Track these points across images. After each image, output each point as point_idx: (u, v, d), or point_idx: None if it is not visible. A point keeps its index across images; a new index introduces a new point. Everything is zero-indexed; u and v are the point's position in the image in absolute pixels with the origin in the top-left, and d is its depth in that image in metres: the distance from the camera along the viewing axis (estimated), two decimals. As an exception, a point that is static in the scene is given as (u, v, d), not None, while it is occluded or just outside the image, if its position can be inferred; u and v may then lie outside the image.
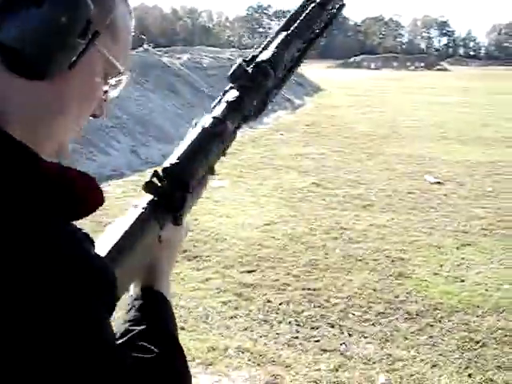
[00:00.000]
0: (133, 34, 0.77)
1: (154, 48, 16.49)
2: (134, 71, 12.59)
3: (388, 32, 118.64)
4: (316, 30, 1.19)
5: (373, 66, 58.61)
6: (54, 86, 0.67)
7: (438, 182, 7.62)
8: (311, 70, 34.44)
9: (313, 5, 1.16)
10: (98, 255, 0.67)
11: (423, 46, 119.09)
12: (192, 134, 1.00)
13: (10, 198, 0.60)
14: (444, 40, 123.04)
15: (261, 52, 1.10)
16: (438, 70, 54.90)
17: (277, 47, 1.10)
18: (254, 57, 1.08)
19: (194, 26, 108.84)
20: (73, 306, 0.59)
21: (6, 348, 0.57)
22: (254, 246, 5.10)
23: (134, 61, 13.60)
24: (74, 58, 0.67)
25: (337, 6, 1.22)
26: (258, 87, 1.06)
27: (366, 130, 12.52)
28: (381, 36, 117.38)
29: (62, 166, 0.66)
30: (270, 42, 1.13)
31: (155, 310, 0.89)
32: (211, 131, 0.99)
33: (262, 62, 1.06)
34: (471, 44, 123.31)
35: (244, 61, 1.07)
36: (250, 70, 1.05)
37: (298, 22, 1.14)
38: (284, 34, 1.13)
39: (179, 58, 16.03)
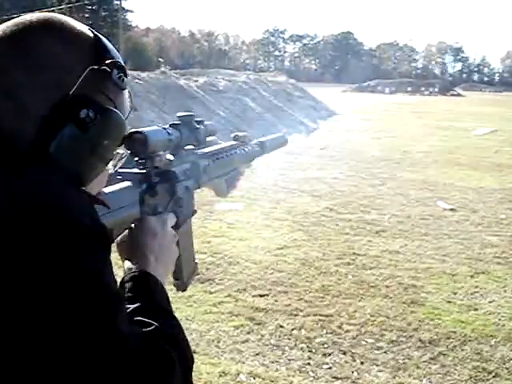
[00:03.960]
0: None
1: (171, 70, 16.69)
2: (151, 93, 12.75)
3: (402, 57, 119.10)
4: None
5: (387, 90, 58.78)
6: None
7: (451, 209, 7.60)
8: (326, 93, 34.63)
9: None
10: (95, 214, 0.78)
11: (437, 71, 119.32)
12: None
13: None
14: (458, 66, 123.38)
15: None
16: (452, 95, 54.97)
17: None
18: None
19: (210, 48, 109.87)
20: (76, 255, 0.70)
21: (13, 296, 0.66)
22: (266, 269, 5.11)
23: (152, 83, 13.77)
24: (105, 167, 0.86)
25: None
26: None
27: (380, 154, 12.54)
28: (395, 61, 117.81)
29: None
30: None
31: (146, 289, 0.93)
32: None
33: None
34: (485, 70, 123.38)
35: None
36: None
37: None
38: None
39: (196, 81, 16.20)
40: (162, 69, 15.91)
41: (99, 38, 0.85)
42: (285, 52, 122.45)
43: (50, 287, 0.67)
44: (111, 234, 0.82)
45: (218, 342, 3.77)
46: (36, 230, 0.68)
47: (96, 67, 0.80)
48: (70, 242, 0.69)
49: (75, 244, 0.70)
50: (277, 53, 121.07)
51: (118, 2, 60.58)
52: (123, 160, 1.00)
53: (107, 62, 0.82)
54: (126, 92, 0.89)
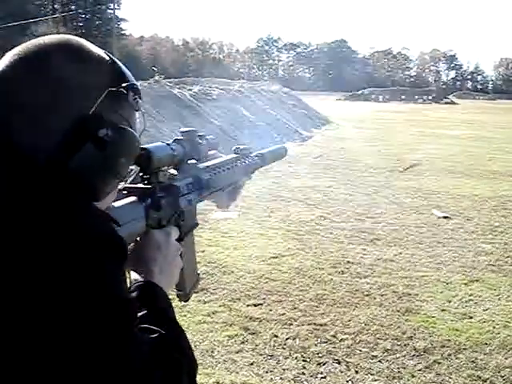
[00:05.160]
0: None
1: (164, 79, 16.70)
2: (145, 102, 12.72)
3: (396, 65, 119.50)
4: None
5: (381, 98, 58.99)
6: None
7: (446, 217, 7.61)
8: (320, 102, 34.72)
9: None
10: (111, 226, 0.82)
11: (431, 79, 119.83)
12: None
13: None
14: (452, 74, 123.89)
15: None
16: (446, 103, 55.20)
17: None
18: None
19: (204, 57, 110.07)
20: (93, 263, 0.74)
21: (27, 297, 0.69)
22: (261, 278, 5.10)
23: (146, 92, 13.77)
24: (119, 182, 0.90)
25: None
26: None
27: (374, 163, 12.56)
28: (389, 69, 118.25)
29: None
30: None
31: (151, 298, 0.97)
32: None
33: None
34: (479, 78, 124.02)
35: None
36: None
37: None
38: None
39: (190, 90, 16.21)
40: (156, 77, 15.92)
41: (115, 61, 0.89)
42: (279, 61, 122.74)
43: (70, 294, 0.70)
44: (127, 245, 0.85)
45: (212, 352, 3.75)
46: (57, 242, 0.72)
47: (114, 89, 0.85)
48: (91, 252, 0.74)
49: (96, 254, 0.74)
50: (271, 61, 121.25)
51: (112, 11, 60.73)
52: (132, 177, 1.07)
53: (124, 84, 0.87)
54: (138, 112, 0.94)
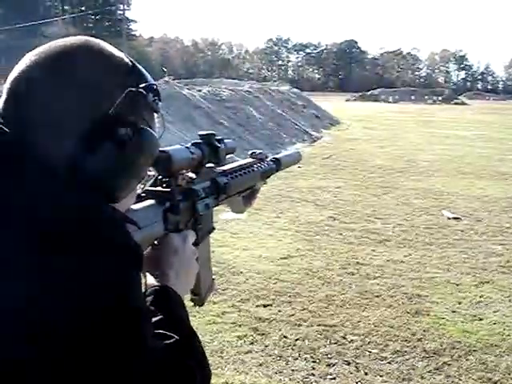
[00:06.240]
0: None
1: (174, 80, 16.74)
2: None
3: (406, 66, 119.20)
4: None
5: (390, 99, 58.82)
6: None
7: (456, 218, 7.58)
8: (329, 102, 34.68)
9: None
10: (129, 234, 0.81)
11: (441, 79, 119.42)
12: None
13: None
14: (462, 74, 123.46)
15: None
16: (456, 104, 54.97)
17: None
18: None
19: (213, 58, 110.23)
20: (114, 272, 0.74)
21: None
22: (270, 279, 5.10)
23: (155, 93, 13.79)
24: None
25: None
26: None
27: (383, 163, 12.54)
28: (399, 70, 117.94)
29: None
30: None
31: (167, 303, 0.97)
32: None
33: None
34: (489, 78, 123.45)
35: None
36: None
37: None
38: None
39: (199, 91, 16.24)
40: (166, 78, 15.97)
41: (134, 63, 0.90)
42: (288, 61, 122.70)
43: (82, 300, 0.70)
44: (143, 252, 0.85)
45: (222, 352, 3.76)
46: (74, 246, 0.72)
47: (134, 90, 0.84)
48: (105, 257, 0.73)
49: (110, 260, 0.74)
50: (280, 62, 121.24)
51: (122, 12, 60.96)
52: (151, 180, 1.07)
53: (143, 85, 0.87)
54: (157, 114, 0.93)
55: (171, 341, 0.87)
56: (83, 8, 69.51)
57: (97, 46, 0.87)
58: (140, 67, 0.91)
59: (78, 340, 0.69)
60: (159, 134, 0.94)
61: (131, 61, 0.89)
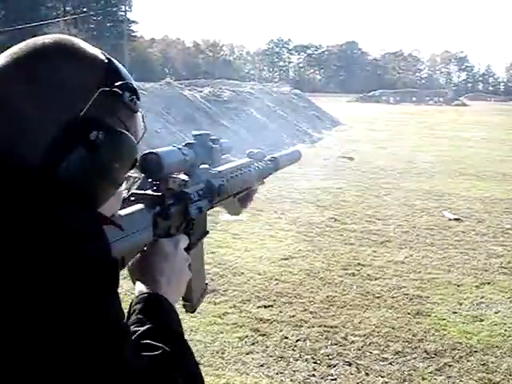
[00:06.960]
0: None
1: (175, 81, 16.75)
2: (156, 104, 12.79)
3: (407, 67, 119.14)
4: None
5: (392, 100, 58.88)
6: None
7: (457, 219, 7.58)
8: (330, 104, 34.69)
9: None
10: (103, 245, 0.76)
11: (442, 81, 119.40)
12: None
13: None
14: (463, 75, 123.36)
15: None
16: (457, 105, 54.97)
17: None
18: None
19: (215, 59, 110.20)
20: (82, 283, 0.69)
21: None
22: (271, 280, 5.10)
23: (157, 94, 13.82)
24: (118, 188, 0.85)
25: None
26: None
27: (384, 164, 12.53)
28: (400, 71, 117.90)
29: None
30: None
31: (156, 311, 0.93)
32: None
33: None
34: (490, 79, 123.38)
35: None
36: None
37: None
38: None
39: (200, 92, 16.25)
40: (167, 79, 15.98)
41: (111, 60, 0.85)
42: (289, 62, 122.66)
43: (56, 318, 0.66)
44: (119, 263, 0.81)
45: (223, 353, 3.76)
46: (43, 259, 0.67)
47: (107, 89, 0.80)
48: (76, 272, 0.68)
49: (81, 275, 0.69)
50: (281, 63, 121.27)
51: (123, 13, 61.04)
52: (137, 183, 1.02)
53: (118, 84, 0.82)
54: (138, 114, 0.88)
55: (157, 352, 0.83)
56: (85, 9, 69.51)
57: (70, 43, 0.82)
58: (117, 64, 0.86)
59: (54, 360, 0.66)
60: (140, 135, 0.90)
61: (107, 58, 0.85)
